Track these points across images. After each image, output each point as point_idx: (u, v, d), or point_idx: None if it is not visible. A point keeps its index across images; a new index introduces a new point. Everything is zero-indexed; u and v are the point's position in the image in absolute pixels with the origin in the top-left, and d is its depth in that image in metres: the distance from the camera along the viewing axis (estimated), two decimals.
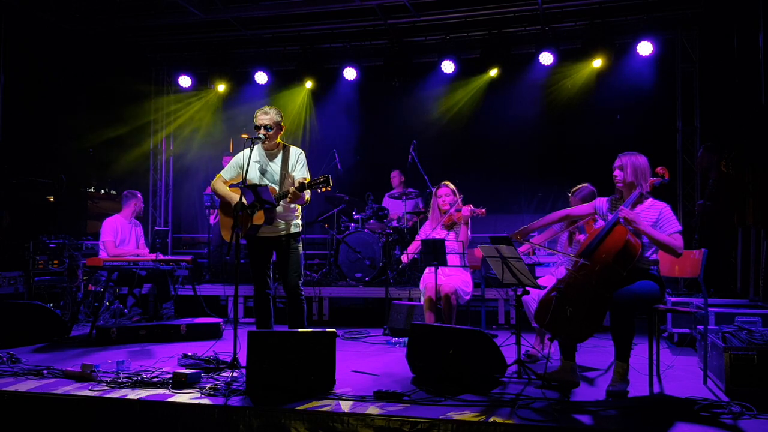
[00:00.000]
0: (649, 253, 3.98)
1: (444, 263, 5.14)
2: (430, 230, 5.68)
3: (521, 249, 5.07)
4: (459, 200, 5.58)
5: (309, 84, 9.19)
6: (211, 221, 8.83)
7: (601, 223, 4.22)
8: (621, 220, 3.95)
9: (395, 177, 8.62)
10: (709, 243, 6.09)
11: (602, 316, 3.82)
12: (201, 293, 7.02)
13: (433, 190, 5.74)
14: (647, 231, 3.84)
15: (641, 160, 4.05)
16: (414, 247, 5.75)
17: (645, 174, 4.03)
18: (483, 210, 5.40)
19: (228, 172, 4.88)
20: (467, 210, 5.43)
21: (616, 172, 4.09)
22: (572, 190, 5.20)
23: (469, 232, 5.54)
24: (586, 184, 5.17)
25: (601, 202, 4.24)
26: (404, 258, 5.91)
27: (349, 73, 8.94)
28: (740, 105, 6.57)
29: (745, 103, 6.42)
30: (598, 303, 3.81)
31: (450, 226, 5.56)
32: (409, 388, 3.89)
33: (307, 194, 4.58)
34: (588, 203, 4.41)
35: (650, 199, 4.04)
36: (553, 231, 5.08)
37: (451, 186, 5.62)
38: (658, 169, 4.18)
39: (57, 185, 7.56)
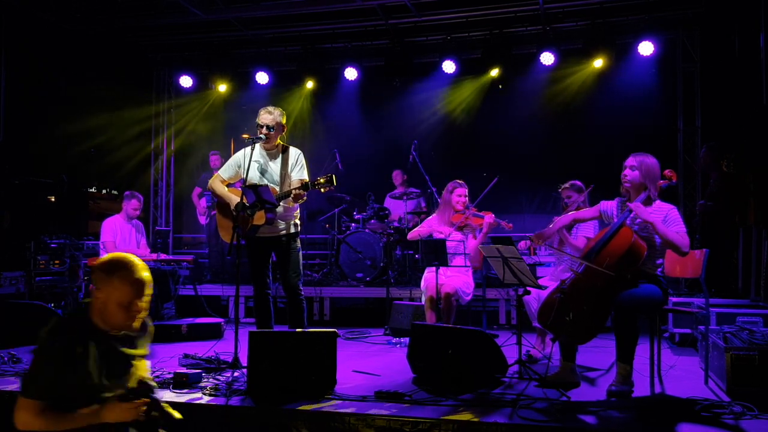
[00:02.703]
0: (655, 259, 3.96)
1: (445, 263, 5.14)
2: (437, 225, 5.65)
3: (521, 245, 5.09)
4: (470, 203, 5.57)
5: (310, 84, 9.19)
6: (202, 221, 8.84)
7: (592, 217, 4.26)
8: (627, 221, 3.91)
9: (397, 176, 8.61)
10: (710, 243, 6.09)
11: (605, 318, 3.80)
12: (202, 293, 7.03)
13: (448, 187, 5.63)
14: (655, 223, 3.78)
15: (653, 162, 3.99)
16: (420, 230, 5.65)
17: (655, 176, 3.98)
18: (510, 225, 5.31)
19: (226, 171, 4.88)
20: (491, 217, 5.34)
21: (627, 172, 4.01)
22: (562, 187, 5.26)
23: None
24: (574, 181, 5.23)
25: (606, 205, 4.20)
26: (410, 235, 5.81)
27: (350, 73, 8.94)
28: (741, 105, 6.57)
29: (746, 103, 6.42)
30: (602, 305, 3.78)
31: (462, 227, 5.52)
32: (410, 388, 3.89)
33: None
34: (593, 206, 4.37)
35: (657, 201, 3.99)
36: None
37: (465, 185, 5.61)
38: (666, 172, 4.15)
39: (58, 185, 7.56)
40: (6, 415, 3.77)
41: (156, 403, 2.37)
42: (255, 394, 3.70)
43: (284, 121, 4.77)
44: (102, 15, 8.37)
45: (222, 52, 9.19)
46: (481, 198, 5.79)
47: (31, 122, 7.73)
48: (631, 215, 3.90)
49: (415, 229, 5.81)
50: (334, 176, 4.40)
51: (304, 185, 4.45)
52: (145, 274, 2.48)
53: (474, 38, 8.59)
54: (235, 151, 5.05)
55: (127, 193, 6.89)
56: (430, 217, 5.88)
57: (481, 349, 3.97)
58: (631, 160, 4.03)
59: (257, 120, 4.72)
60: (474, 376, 3.91)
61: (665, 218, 3.89)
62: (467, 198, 5.56)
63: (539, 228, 5.22)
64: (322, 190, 4.45)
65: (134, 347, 2.55)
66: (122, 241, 6.67)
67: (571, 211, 4.95)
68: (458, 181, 5.64)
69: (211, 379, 4.07)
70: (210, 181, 4.93)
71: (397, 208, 8.39)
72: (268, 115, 4.69)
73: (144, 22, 8.52)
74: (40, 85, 7.88)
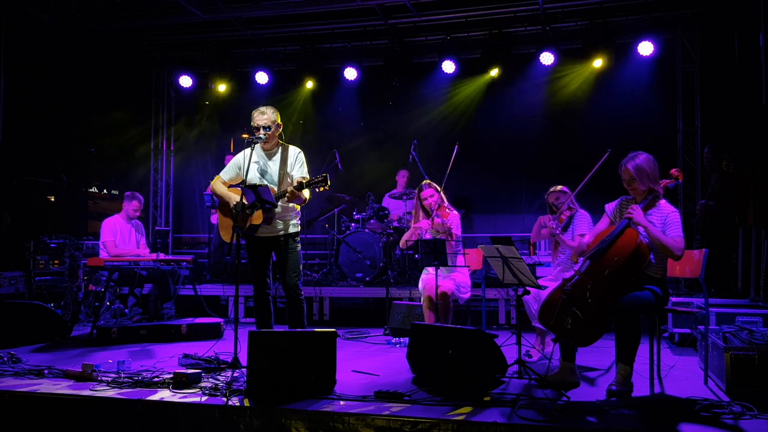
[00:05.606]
0: (660, 262, 3.93)
1: (445, 263, 5.13)
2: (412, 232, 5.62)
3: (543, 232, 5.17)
4: (444, 201, 5.52)
5: (309, 84, 9.19)
6: (213, 221, 8.84)
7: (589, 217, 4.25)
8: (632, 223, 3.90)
9: (403, 176, 8.59)
10: (710, 243, 6.09)
11: (609, 319, 3.74)
12: (201, 293, 7.02)
13: (416, 191, 5.66)
14: (647, 227, 3.77)
15: (645, 161, 3.89)
16: (410, 234, 5.63)
17: (654, 175, 3.90)
18: (458, 231, 5.38)
19: (227, 172, 4.89)
20: (439, 221, 5.35)
21: (627, 185, 3.95)
22: (549, 192, 5.26)
23: (457, 235, 5.49)
24: (556, 186, 5.24)
25: (610, 208, 4.16)
26: (402, 244, 5.73)
27: (350, 73, 8.94)
28: (741, 105, 6.57)
29: (745, 102, 6.42)
30: (605, 306, 3.75)
31: (437, 231, 5.51)
32: (409, 388, 3.89)
33: (306, 193, 4.58)
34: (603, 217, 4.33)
35: (662, 201, 3.94)
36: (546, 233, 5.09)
37: (434, 185, 5.57)
38: (673, 171, 4.09)
39: (58, 185, 7.56)
40: (6, 415, 3.78)
41: None
42: (254, 394, 3.69)
43: (279, 119, 4.77)
44: (102, 15, 8.36)
45: (221, 52, 9.19)
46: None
47: (31, 122, 7.73)
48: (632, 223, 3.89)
49: (406, 234, 5.75)
50: (327, 176, 4.39)
51: (298, 184, 4.45)
52: None
53: (473, 38, 8.60)
54: (235, 151, 5.06)
55: (128, 193, 6.89)
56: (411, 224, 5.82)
57: (480, 348, 3.96)
58: (627, 171, 3.90)
59: (252, 123, 4.71)
60: (474, 376, 3.90)
61: (664, 221, 3.86)
62: (436, 196, 5.48)
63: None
64: (318, 189, 4.44)
65: None
66: (122, 240, 6.67)
67: (564, 212, 4.95)
68: (426, 181, 5.62)
69: (210, 379, 4.07)
70: (211, 183, 4.94)
71: (396, 207, 8.39)
72: (262, 116, 4.69)
73: (143, 22, 8.52)
74: (40, 85, 7.88)
